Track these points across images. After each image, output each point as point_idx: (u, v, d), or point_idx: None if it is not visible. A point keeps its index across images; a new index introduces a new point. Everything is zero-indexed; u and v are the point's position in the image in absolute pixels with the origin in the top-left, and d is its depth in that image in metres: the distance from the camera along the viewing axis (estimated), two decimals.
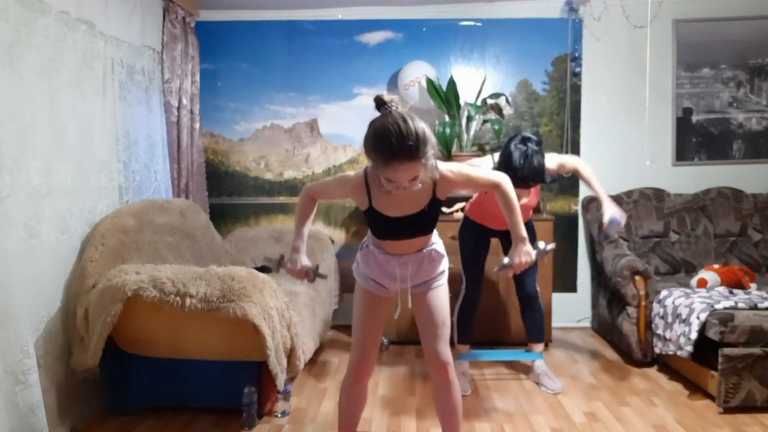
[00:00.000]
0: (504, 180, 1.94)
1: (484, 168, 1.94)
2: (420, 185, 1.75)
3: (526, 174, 2.59)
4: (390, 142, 1.61)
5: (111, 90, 3.02)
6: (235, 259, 3.79)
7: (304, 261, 2.02)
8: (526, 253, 1.94)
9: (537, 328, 3.14)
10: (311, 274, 2.01)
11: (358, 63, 4.14)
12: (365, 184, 1.86)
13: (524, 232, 1.95)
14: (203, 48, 4.03)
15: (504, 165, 2.64)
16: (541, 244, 2.00)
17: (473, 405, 2.84)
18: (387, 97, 1.71)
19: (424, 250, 2.02)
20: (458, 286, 3.05)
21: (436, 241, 2.08)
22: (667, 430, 2.54)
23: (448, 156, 3.79)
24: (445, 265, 2.11)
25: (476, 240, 3.06)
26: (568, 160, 2.91)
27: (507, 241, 3.13)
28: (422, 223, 1.93)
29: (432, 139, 1.69)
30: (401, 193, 1.77)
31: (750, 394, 2.65)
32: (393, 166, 1.64)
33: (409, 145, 1.61)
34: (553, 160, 2.82)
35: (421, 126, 1.66)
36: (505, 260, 1.97)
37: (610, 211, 2.71)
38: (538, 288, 3.09)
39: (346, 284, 3.97)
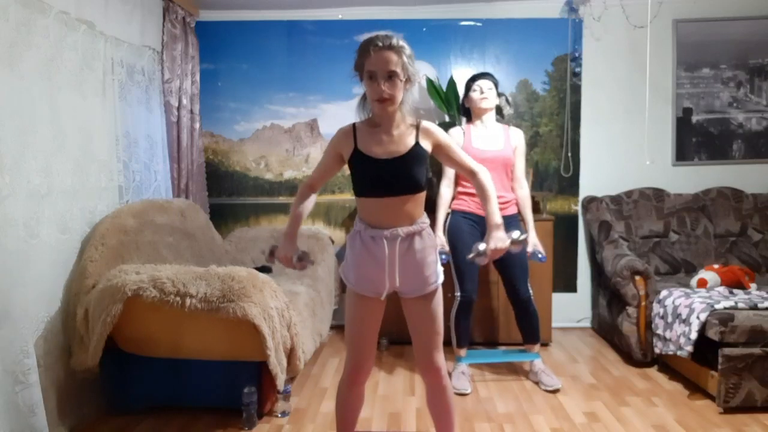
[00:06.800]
0: (483, 170, 1.99)
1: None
2: (401, 82, 1.82)
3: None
4: (372, 37, 1.83)
5: (111, 90, 3.02)
6: (235, 259, 3.79)
7: (291, 246, 1.96)
8: (501, 240, 1.91)
9: (532, 330, 3.14)
10: (298, 259, 1.94)
11: None
12: (353, 129, 1.94)
13: (500, 219, 1.94)
14: (203, 48, 4.03)
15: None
16: (515, 234, 1.95)
17: (473, 405, 2.84)
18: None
19: (414, 226, 1.94)
20: (453, 289, 3.05)
21: (427, 222, 2.01)
22: (667, 430, 2.54)
23: None
24: (439, 274, 2.04)
25: (470, 232, 3.01)
26: (518, 166, 3.15)
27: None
28: (408, 172, 1.88)
29: (411, 51, 1.85)
30: (385, 121, 1.86)
31: (750, 394, 2.65)
32: (375, 53, 1.79)
33: (389, 37, 1.81)
34: (519, 139, 3.15)
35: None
36: (481, 246, 1.92)
37: (535, 241, 3.06)
38: (531, 291, 3.08)
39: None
